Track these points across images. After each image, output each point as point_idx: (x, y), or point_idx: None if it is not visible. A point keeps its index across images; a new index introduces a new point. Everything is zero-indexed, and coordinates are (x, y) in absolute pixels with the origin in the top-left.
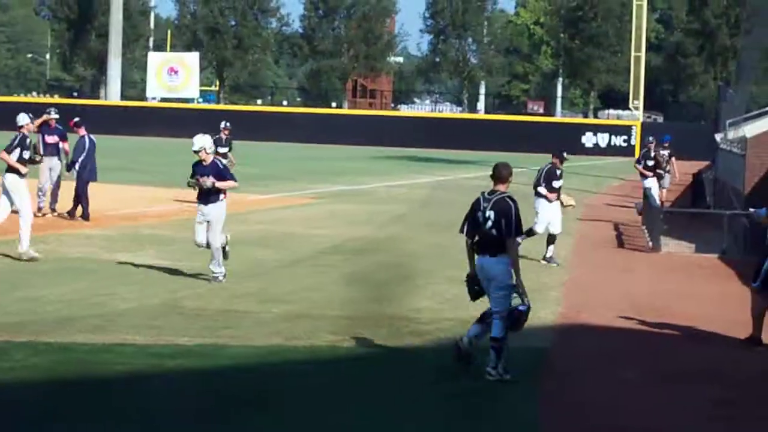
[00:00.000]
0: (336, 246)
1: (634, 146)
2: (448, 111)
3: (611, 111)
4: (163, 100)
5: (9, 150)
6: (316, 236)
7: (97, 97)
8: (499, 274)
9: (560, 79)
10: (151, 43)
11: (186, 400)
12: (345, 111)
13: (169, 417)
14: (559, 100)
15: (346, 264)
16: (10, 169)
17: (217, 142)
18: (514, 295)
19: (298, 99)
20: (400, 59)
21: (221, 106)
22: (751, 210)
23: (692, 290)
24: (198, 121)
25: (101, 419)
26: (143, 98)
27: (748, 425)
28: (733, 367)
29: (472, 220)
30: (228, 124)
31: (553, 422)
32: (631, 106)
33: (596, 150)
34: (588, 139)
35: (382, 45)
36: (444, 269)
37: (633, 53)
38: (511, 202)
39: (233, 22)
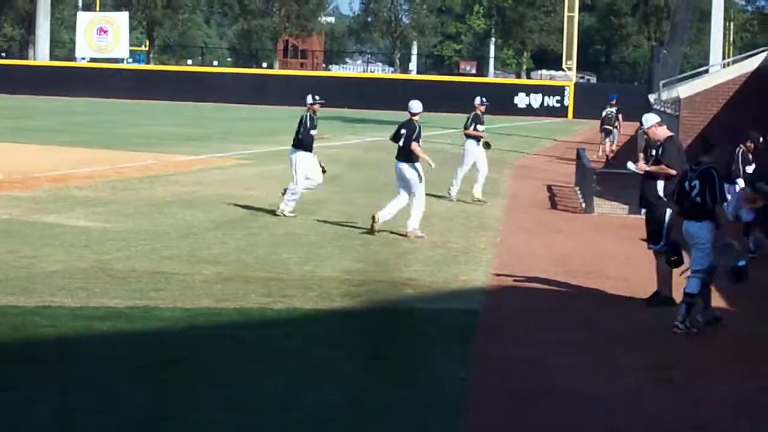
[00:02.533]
0: (267, 207)
1: (567, 107)
2: (379, 71)
3: (544, 71)
4: (92, 60)
5: None
6: (247, 197)
7: (26, 58)
8: (702, 237)
9: (493, 39)
10: (80, 3)
11: (117, 362)
12: (276, 71)
13: (100, 379)
14: (491, 61)
15: (277, 225)
16: None
17: (476, 119)
18: (732, 252)
19: (229, 59)
20: (332, 19)
21: (151, 67)
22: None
23: (625, 252)
24: (127, 82)
25: (31, 382)
26: (72, 59)
27: (686, 387)
28: (665, 329)
29: (680, 189)
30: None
31: (486, 384)
32: (564, 66)
33: (529, 111)
34: (521, 100)
35: (314, 5)
36: (376, 231)
37: (566, 13)
38: (714, 173)
39: None
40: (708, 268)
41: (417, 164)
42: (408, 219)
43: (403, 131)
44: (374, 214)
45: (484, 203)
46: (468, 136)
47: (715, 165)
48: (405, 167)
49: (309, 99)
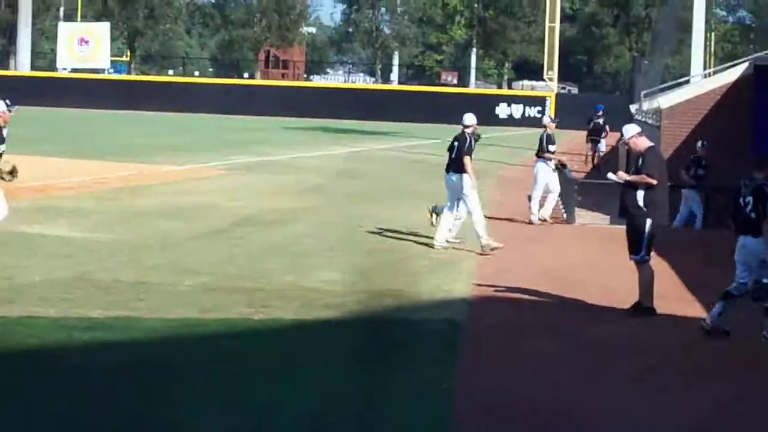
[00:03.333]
0: (250, 217)
1: None
2: (361, 82)
3: (525, 82)
4: (74, 70)
5: None
6: (230, 208)
7: (6, 68)
8: (760, 251)
9: (474, 49)
10: (61, 13)
11: (99, 373)
12: (257, 81)
13: (82, 390)
14: (473, 71)
15: (260, 236)
16: None
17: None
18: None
19: (210, 69)
20: (313, 29)
21: (132, 77)
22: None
23: (606, 261)
24: (109, 92)
25: (13, 392)
26: (53, 69)
27: (673, 395)
28: (651, 338)
29: (734, 206)
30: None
31: (470, 395)
32: (545, 77)
33: (510, 121)
34: (502, 110)
35: (295, 15)
36: (359, 241)
37: (547, 23)
38: (766, 188)
39: None
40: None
41: (465, 175)
42: (476, 236)
43: (456, 143)
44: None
45: (551, 223)
46: (541, 158)
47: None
48: (455, 178)
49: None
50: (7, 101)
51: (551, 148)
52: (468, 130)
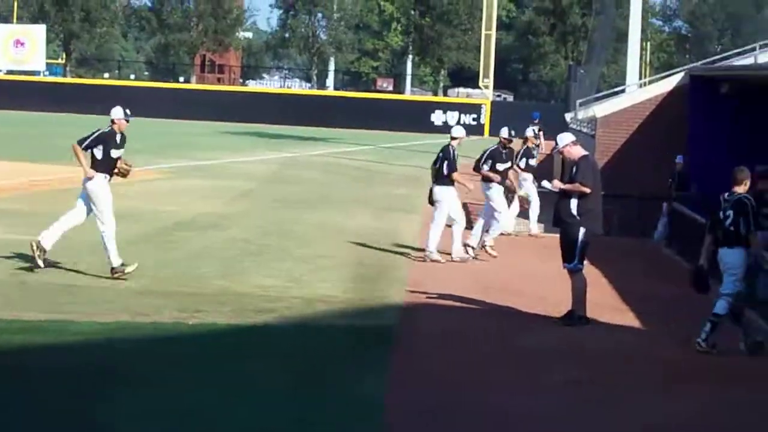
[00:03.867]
0: (184, 222)
1: (483, 125)
2: (296, 87)
3: (461, 89)
4: (9, 72)
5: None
6: (164, 212)
7: None
8: (734, 262)
9: (410, 56)
10: None
11: (32, 375)
12: (193, 86)
13: (15, 393)
14: (408, 78)
15: (194, 240)
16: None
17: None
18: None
19: (146, 73)
20: (249, 34)
21: (68, 79)
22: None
23: (540, 270)
24: (44, 94)
25: None
26: None
27: (600, 403)
28: (583, 346)
29: (714, 219)
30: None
31: (403, 400)
32: (481, 84)
33: (446, 128)
34: (437, 117)
35: (231, 20)
36: (292, 246)
37: (484, 31)
38: (747, 202)
39: None
40: (736, 293)
41: (452, 188)
42: (452, 244)
43: (441, 155)
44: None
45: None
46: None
47: (747, 195)
48: (438, 190)
49: (458, 131)
50: (127, 110)
51: (500, 166)
52: (454, 143)
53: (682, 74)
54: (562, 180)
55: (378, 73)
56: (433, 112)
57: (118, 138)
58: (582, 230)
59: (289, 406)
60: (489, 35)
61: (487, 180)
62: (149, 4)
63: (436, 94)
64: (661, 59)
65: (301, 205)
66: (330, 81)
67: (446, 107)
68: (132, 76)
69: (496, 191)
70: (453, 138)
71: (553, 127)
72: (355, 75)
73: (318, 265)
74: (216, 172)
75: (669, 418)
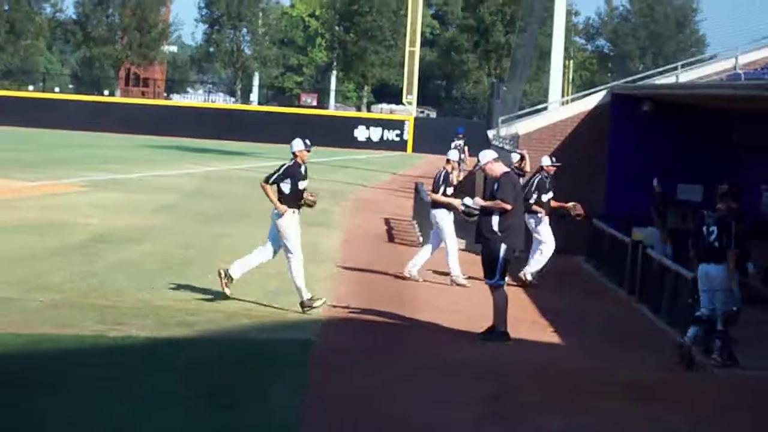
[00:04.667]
0: (104, 234)
1: (406, 141)
2: (221, 101)
3: (384, 105)
4: None
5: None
6: (84, 224)
7: None
8: (722, 278)
9: (334, 72)
10: None
11: None
12: (117, 99)
13: None
14: (332, 93)
15: (114, 253)
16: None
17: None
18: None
19: (71, 86)
20: (174, 48)
21: None
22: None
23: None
24: None
25: None
26: None
27: (513, 420)
28: (503, 362)
29: (697, 234)
30: None
31: (321, 414)
32: (404, 100)
33: (369, 144)
34: (360, 133)
35: (156, 33)
36: (212, 260)
37: (408, 48)
38: (731, 220)
39: (6, 7)
40: (730, 310)
41: (444, 210)
42: (412, 259)
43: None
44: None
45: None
46: (531, 212)
47: (729, 213)
48: (434, 213)
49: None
50: (307, 140)
51: (544, 197)
52: (447, 166)
53: (604, 92)
54: (483, 197)
55: (302, 89)
56: (357, 127)
57: (302, 169)
58: (503, 246)
59: (208, 417)
60: (413, 52)
61: (533, 212)
62: (74, 17)
63: (359, 109)
64: (584, 77)
65: (223, 219)
66: (254, 96)
67: (370, 123)
68: (57, 89)
69: (545, 224)
70: (447, 161)
71: (476, 144)
72: (280, 90)
73: (240, 279)
74: (137, 186)
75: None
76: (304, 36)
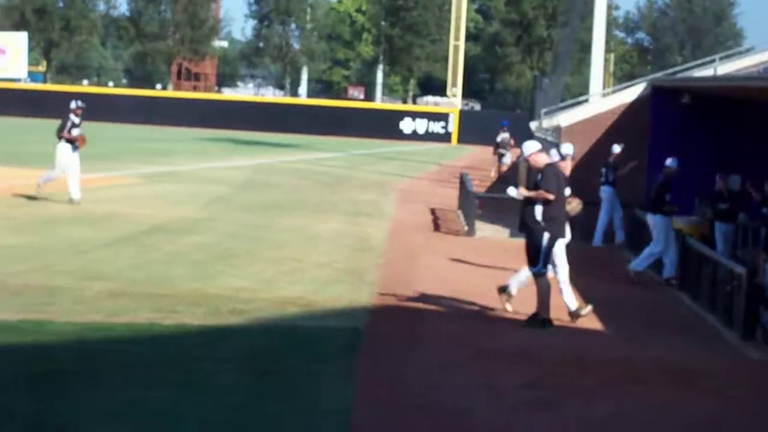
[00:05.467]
0: (158, 225)
1: (451, 133)
2: (270, 95)
3: (430, 98)
4: None
5: None
6: (138, 216)
7: None
8: None
9: (381, 66)
10: None
11: (7, 374)
12: (169, 93)
13: None
14: (379, 87)
15: (167, 243)
16: None
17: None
18: None
19: (124, 81)
20: (225, 43)
21: (48, 87)
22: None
23: (505, 274)
24: (25, 101)
25: None
26: None
27: (558, 407)
28: (542, 349)
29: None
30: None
31: (369, 401)
32: (449, 93)
33: (414, 136)
34: (406, 125)
35: (207, 29)
36: (262, 250)
37: (452, 42)
38: None
39: (61, 4)
40: None
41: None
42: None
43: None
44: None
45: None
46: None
47: None
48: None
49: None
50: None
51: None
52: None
53: (644, 85)
54: (527, 187)
55: (349, 82)
56: (402, 119)
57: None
58: (546, 235)
59: (259, 405)
60: (457, 46)
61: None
62: (127, 13)
63: (405, 102)
64: (624, 70)
65: (273, 210)
66: (302, 89)
67: (415, 115)
68: (110, 84)
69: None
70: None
71: (519, 136)
72: (327, 83)
73: (289, 268)
74: (190, 178)
75: (604, 421)
76: (350, 30)
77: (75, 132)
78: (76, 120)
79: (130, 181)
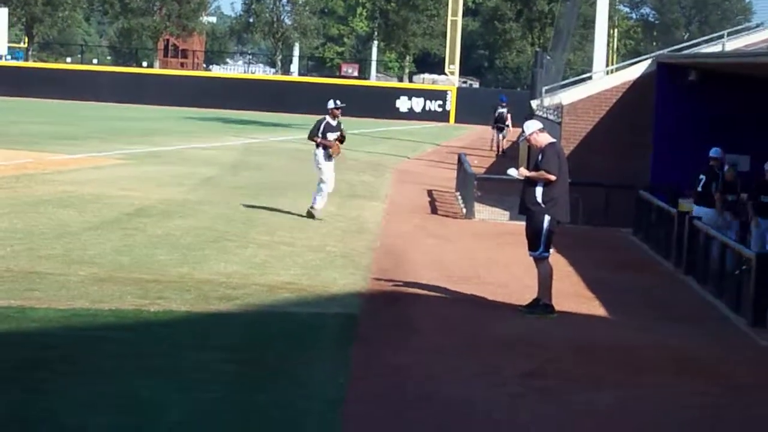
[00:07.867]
0: (145, 208)
1: (449, 111)
2: (260, 72)
3: (426, 75)
4: None
5: None
6: (124, 198)
7: None
8: None
9: (375, 42)
10: None
11: None
12: (156, 71)
13: None
14: (374, 64)
15: (154, 227)
16: None
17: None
18: None
19: (109, 58)
20: (213, 19)
21: (30, 64)
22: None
23: (505, 257)
24: (5, 79)
25: None
26: None
27: (560, 395)
28: (544, 336)
29: None
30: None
31: (363, 389)
32: (446, 70)
33: (411, 115)
34: (402, 104)
35: (195, 4)
36: (253, 234)
37: (449, 17)
38: None
39: None
40: None
41: None
42: None
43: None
44: None
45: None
46: None
47: None
48: None
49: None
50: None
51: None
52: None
53: (649, 61)
54: (528, 167)
55: (343, 59)
56: (399, 98)
57: None
58: (547, 218)
59: (249, 392)
60: (455, 21)
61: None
62: None
63: (401, 80)
64: (628, 46)
65: (264, 192)
66: (294, 66)
67: (411, 93)
68: (95, 61)
69: None
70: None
71: (520, 114)
72: (320, 60)
73: (281, 252)
74: (177, 159)
75: (610, 409)
76: (344, 5)
77: (331, 136)
78: (333, 122)
79: (116, 162)
